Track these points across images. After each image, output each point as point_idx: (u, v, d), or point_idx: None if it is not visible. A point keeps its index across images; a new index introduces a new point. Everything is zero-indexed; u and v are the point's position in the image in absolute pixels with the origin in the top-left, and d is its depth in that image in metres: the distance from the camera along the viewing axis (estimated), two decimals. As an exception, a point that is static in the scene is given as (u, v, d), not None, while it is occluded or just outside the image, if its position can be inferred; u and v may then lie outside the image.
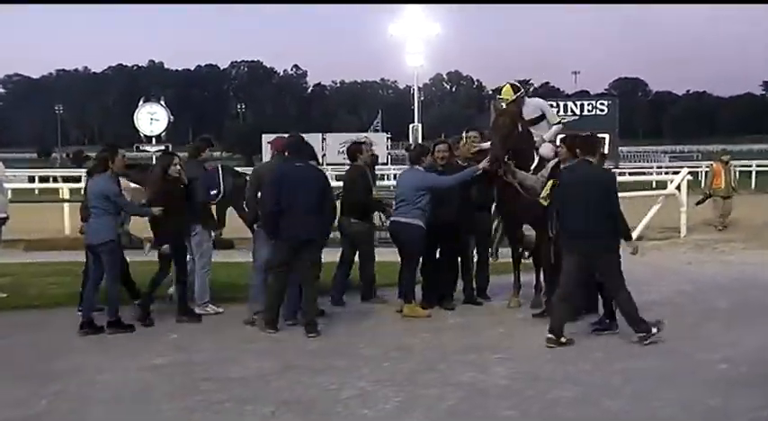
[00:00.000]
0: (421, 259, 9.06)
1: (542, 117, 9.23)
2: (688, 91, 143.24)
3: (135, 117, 23.77)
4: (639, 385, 6.09)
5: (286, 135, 8.86)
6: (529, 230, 9.12)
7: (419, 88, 50.78)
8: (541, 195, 8.33)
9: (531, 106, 9.28)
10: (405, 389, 6.00)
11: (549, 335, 7.19)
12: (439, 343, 7.48)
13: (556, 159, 8.55)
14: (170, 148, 27.71)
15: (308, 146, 8.37)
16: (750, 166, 37.06)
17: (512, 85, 9.13)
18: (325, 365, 6.69)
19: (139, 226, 9.10)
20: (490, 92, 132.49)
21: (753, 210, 16.14)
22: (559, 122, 9.40)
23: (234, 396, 5.91)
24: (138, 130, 24.24)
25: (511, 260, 9.21)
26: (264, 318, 7.98)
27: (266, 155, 14.91)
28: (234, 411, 5.62)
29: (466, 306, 9.06)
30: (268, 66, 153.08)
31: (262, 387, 6.13)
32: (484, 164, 8.59)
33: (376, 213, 9.90)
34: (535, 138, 9.02)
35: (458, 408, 5.64)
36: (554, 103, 17.44)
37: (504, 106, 8.92)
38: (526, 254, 9.19)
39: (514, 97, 8.96)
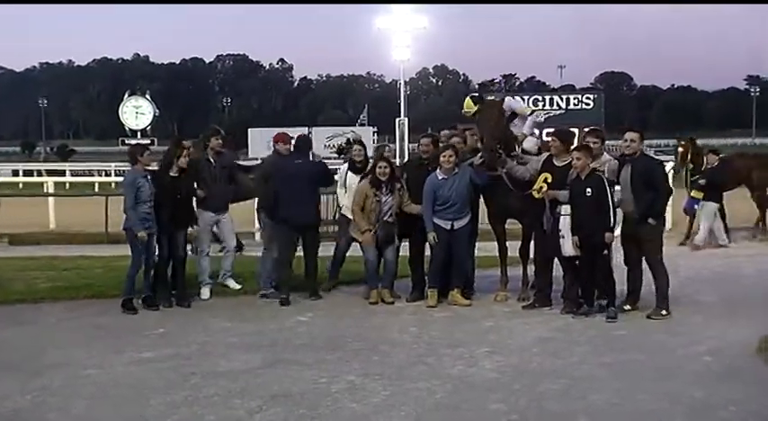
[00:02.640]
0: (409, 253, 9.19)
1: (513, 115, 9.30)
2: (673, 85, 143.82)
3: (120, 111, 23.64)
4: (625, 378, 6.13)
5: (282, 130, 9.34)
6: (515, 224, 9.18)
7: (405, 82, 50.71)
8: (534, 188, 8.39)
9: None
10: (393, 383, 6.02)
11: None
12: (427, 336, 7.50)
13: (546, 154, 8.61)
14: (155, 142, 27.57)
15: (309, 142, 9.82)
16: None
17: (471, 98, 9.34)
18: (314, 359, 6.70)
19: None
20: (476, 86, 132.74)
21: (740, 203, 16.20)
22: (531, 112, 9.57)
23: (222, 390, 5.90)
24: (123, 124, 24.10)
25: (497, 254, 9.25)
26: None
27: (252, 149, 14.92)
28: (222, 405, 5.61)
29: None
30: (254, 59, 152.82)
31: (250, 380, 6.12)
32: (477, 160, 8.69)
33: None
34: (516, 132, 9.15)
35: (446, 402, 5.66)
36: (540, 97, 17.57)
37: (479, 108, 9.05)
38: None
39: (476, 109, 9.09)
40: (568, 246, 8.09)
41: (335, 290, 9.66)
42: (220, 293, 9.34)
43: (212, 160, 9.35)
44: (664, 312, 7.98)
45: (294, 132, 10.33)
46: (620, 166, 8.16)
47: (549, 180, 8.31)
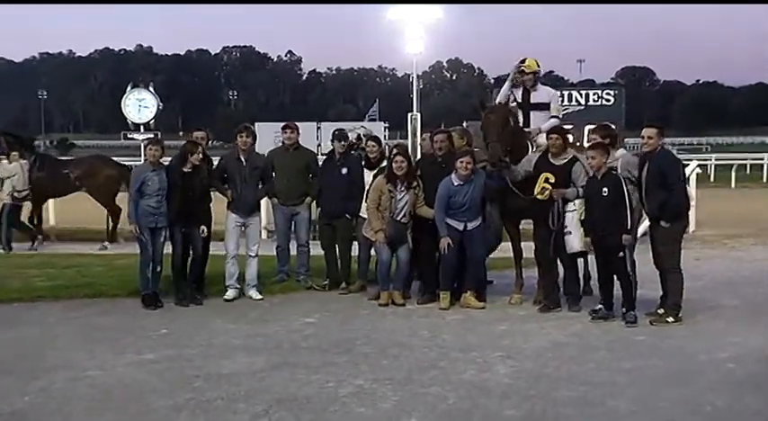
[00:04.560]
0: (420, 253, 9.21)
1: (547, 105, 9.33)
2: (698, 80, 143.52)
3: (122, 103, 23.59)
4: (645, 385, 6.13)
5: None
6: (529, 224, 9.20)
7: (418, 76, 50.62)
8: (535, 191, 8.40)
9: (542, 92, 9.49)
10: (404, 388, 6.03)
11: None
12: (439, 340, 7.51)
13: (539, 152, 8.64)
14: (159, 136, 27.73)
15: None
16: (762, 160, 37.12)
17: (536, 61, 9.45)
18: (321, 362, 6.72)
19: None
20: (492, 80, 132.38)
21: (764, 204, 16.17)
22: (558, 117, 9.50)
23: (225, 393, 5.93)
24: (125, 118, 24.14)
25: (512, 255, 9.27)
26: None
27: (259, 144, 14.95)
28: (225, 409, 5.63)
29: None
30: (261, 51, 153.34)
31: (254, 384, 6.15)
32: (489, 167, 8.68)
33: None
34: (533, 126, 9.23)
35: (458, 408, 5.66)
36: (558, 92, 17.40)
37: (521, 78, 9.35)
38: None
39: (534, 70, 9.35)
40: (575, 242, 8.14)
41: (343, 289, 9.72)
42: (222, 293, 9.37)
43: (243, 160, 9.27)
44: (670, 319, 7.93)
45: (302, 128, 10.36)
46: (642, 164, 8.11)
47: (552, 180, 8.33)
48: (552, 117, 9.39)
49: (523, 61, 9.42)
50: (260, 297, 9.30)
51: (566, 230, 8.23)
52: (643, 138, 8.04)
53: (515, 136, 8.79)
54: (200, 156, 8.90)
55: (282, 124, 10.23)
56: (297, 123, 10.28)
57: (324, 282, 9.87)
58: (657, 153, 8.01)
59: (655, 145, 7.98)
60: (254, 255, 9.35)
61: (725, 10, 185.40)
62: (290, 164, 9.75)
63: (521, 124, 9.18)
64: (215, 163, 9.55)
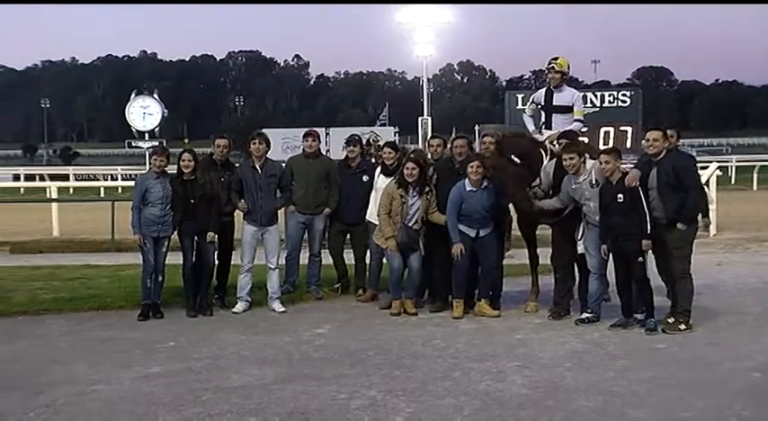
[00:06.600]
0: (432, 260, 9.21)
1: (570, 108, 9.37)
2: (717, 80, 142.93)
3: (126, 111, 23.83)
4: (666, 394, 6.10)
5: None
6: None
7: (428, 79, 50.72)
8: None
9: (567, 94, 9.55)
10: (417, 399, 6.02)
11: None
12: (453, 349, 7.50)
13: (552, 161, 8.65)
14: (164, 144, 27.99)
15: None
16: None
17: (567, 63, 9.57)
18: (333, 374, 6.73)
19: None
20: (504, 83, 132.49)
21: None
22: (581, 121, 9.53)
23: (235, 406, 5.93)
24: (129, 125, 24.39)
25: (528, 262, 9.26)
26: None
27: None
28: (235, 423, 5.64)
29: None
30: (267, 56, 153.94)
31: (264, 397, 6.15)
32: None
33: None
34: (554, 129, 9.26)
35: (474, 419, 5.65)
36: (581, 94, 17.39)
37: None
38: None
39: (563, 71, 9.46)
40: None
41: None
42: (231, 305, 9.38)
43: (258, 167, 9.17)
44: (683, 327, 7.89)
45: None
46: (648, 168, 8.10)
47: None
48: (576, 120, 9.43)
49: (556, 59, 9.49)
50: (283, 309, 9.21)
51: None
52: (648, 140, 8.10)
53: (528, 156, 8.77)
54: (191, 162, 8.89)
55: (303, 131, 10.27)
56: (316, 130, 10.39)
57: (336, 285, 9.91)
58: (666, 155, 8.03)
59: (660, 147, 8.00)
60: (273, 267, 9.27)
61: (744, 7, 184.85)
62: (309, 172, 9.74)
63: (535, 129, 9.38)
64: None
